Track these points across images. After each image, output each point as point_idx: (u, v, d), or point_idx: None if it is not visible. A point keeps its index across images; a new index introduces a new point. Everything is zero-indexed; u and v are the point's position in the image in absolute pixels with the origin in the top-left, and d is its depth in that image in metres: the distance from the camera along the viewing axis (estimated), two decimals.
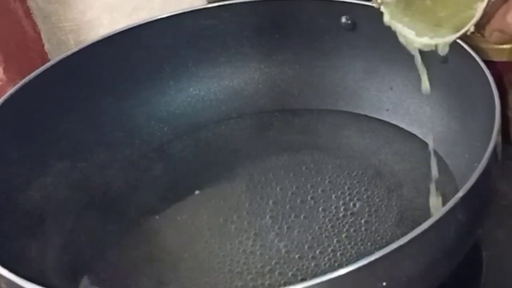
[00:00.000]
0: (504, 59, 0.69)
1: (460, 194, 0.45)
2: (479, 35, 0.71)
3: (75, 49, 0.63)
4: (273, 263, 0.55)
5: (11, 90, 0.59)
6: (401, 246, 0.42)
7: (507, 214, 0.61)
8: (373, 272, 0.43)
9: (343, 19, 0.65)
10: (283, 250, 0.56)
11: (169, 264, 0.56)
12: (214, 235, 0.58)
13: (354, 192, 0.60)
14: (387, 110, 0.66)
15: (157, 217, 0.60)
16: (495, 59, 0.69)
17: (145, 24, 0.65)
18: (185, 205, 0.62)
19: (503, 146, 0.52)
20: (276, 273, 0.54)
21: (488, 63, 0.56)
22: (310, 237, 0.57)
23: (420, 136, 0.64)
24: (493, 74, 0.55)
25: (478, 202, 0.48)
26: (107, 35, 0.64)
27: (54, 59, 0.62)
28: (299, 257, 0.55)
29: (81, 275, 0.56)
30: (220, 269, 0.55)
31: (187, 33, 0.67)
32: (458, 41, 0.58)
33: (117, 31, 0.65)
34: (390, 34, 0.63)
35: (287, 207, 0.60)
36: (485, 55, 0.66)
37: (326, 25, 0.66)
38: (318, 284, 0.41)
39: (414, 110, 0.65)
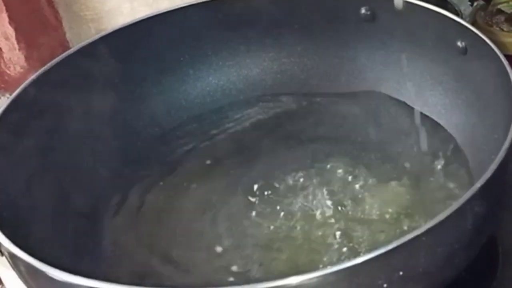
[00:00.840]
0: None
1: (478, 184, 0.45)
2: (498, 28, 0.71)
3: (95, 37, 0.63)
4: (278, 248, 0.55)
5: (32, 77, 0.60)
6: (417, 236, 0.42)
7: None
8: (390, 262, 0.43)
9: (363, 10, 0.65)
10: (291, 236, 0.56)
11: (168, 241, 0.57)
12: (220, 216, 0.59)
13: (370, 181, 0.60)
14: (406, 101, 0.66)
15: (170, 201, 0.61)
16: None
17: (166, 13, 0.66)
18: (198, 186, 0.62)
19: None
20: (283, 257, 0.55)
21: (507, 57, 0.55)
22: (320, 223, 0.57)
23: (441, 124, 0.64)
24: None
25: (495, 194, 0.48)
26: (127, 24, 0.65)
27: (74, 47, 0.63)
28: (306, 243, 0.55)
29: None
30: (224, 251, 0.56)
31: (207, 22, 0.67)
32: (478, 33, 0.58)
33: (138, 20, 0.65)
34: (409, 26, 0.63)
35: (300, 193, 0.60)
36: (505, 48, 0.66)
37: (345, 16, 0.66)
38: (333, 273, 0.41)
39: (433, 102, 0.64)
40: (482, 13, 0.73)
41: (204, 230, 0.58)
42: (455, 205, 0.44)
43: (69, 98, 0.61)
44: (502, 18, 0.73)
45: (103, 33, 0.64)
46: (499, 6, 0.74)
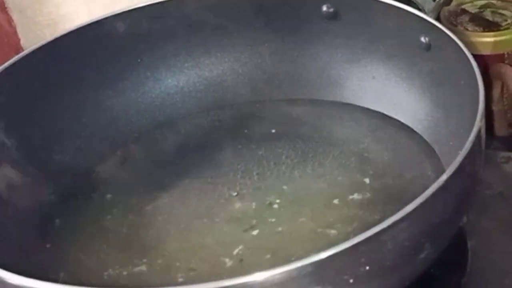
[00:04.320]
0: (489, 52, 0.69)
1: (444, 177, 0.44)
2: (462, 28, 0.71)
3: (49, 39, 0.62)
4: (251, 250, 0.54)
5: None
6: (383, 230, 0.41)
7: (492, 203, 0.60)
8: (355, 256, 0.42)
9: (324, 8, 0.64)
10: (262, 243, 0.55)
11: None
12: (191, 228, 0.57)
13: (337, 181, 0.59)
14: (370, 99, 0.65)
15: (135, 209, 0.60)
16: (480, 51, 0.69)
17: (122, 14, 0.64)
18: (164, 197, 0.61)
19: (487, 139, 0.52)
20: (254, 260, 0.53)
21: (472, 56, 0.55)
22: (293, 226, 0.56)
23: (405, 123, 0.63)
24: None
25: (462, 186, 0.48)
26: (82, 25, 0.63)
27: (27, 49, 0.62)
28: (280, 246, 0.54)
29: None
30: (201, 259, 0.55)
31: (164, 22, 0.66)
32: (444, 29, 0.58)
33: (92, 21, 0.64)
34: (372, 23, 0.63)
35: (269, 197, 0.59)
36: (470, 47, 0.65)
37: (307, 14, 0.66)
38: (298, 268, 0.40)
39: (398, 99, 0.64)
40: (446, 13, 0.73)
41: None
42: (421, 198, 0.43)
43: (23, 102, 0.60)
44: (466, 18, 0.72)
45: (57, 35, 0.62)
46: (463, 6, 0.74)
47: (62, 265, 0.55)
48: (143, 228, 0.58)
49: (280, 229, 0.56)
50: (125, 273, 0.54)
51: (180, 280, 0.53)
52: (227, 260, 0.54)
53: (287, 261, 0.41)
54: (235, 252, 0.54)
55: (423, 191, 0.44)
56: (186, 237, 0.57)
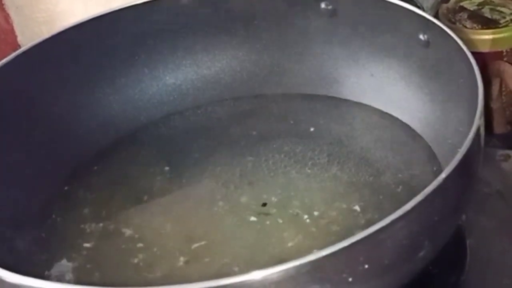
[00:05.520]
0: (487, 49, 0.69)
1: (443, 175, 0.44)
2: (461, 26, 0.71)
3: (46, 36, 0.62)
4: (248, 254, 0.54)
5: None
6: (382, 228, 0.41)
7: (490, 202, 0.60)
8: (354, 254, 0.41)
9: (323, 5, 0.64)
10: (259, 243, 0.55)
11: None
12: (188, 227, 0.57)
13: (334, 180, 0.59)
14: (368, 96, 0.65)
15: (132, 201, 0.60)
16: (478, 49, 0.68)
17: (119, 11, 0.64)
18: (161, 192, 0.61)
19: (486, 137, 0.52)
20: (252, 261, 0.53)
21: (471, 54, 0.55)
22: (291, 224, 0.55)
23: (403, 121, 0.63)
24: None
25: (460, 185, 0.48)
26: (78, 22, 0.63)
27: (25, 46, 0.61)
28: (277, 246, 0.54)
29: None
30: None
31: (162, 20, 0.66)
32: (442, 26, 0.57)
33: (89, 18, 0.63)
34: (370, 20, 0.63)
35: (266, 195, 0.58)
36: (468, 45, 0.65)
37: (305, 11, 0.65)
38: (296, 267, 0.40)
39: (396, 96, 0.64)
40: (445, 11, 0.73)
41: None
42: (420, 196, 0.43)
43: (20, 99, 0.60)
44: (465, 15, 0.72)
45: (54, 32, 0.62)
46: (462, 3, 0.74)
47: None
48: (141, 211, 0.59)
49: (274, 224, 0.56)
50: (104, 225, 0.57)
51: (135, 260, 0.54)
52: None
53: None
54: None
55: (422, 189, 0.44)
56: (176, 226, 0.57)
